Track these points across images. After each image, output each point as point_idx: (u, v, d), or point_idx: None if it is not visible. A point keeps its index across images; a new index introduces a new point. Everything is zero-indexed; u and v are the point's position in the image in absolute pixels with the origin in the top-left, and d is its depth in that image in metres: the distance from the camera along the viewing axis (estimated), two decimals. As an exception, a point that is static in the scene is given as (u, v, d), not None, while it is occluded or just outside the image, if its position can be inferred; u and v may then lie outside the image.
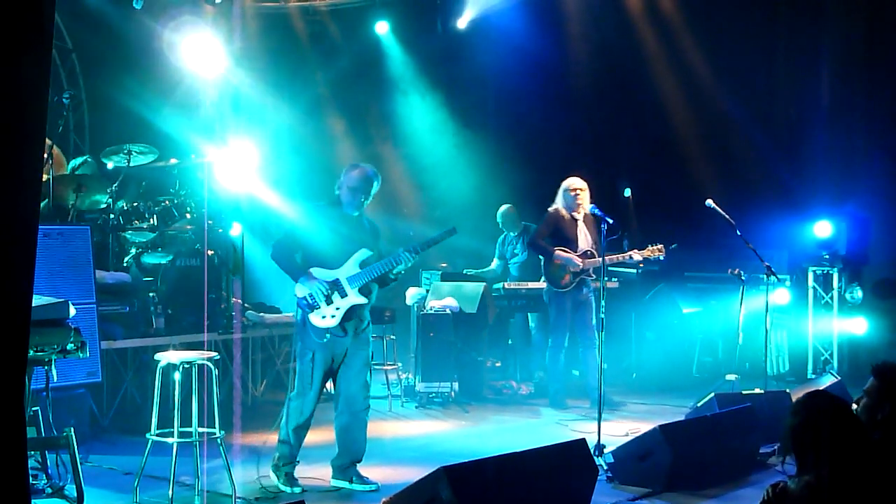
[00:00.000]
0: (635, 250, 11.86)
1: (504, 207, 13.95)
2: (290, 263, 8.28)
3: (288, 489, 8.13)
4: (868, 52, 14.71)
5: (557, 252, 11.98)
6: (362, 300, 8.23)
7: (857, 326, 14.00)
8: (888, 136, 14.66)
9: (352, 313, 8.20)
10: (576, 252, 11.97)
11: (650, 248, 11.91)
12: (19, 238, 3.71)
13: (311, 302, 8.09)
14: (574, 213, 12.10)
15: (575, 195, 12.02)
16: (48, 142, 10.73)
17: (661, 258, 11.98)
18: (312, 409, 8.24)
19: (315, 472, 8.51)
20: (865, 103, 14.78)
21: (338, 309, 8.12)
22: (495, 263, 14.14)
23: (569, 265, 11.95)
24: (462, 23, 16.21)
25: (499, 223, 13.95)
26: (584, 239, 12.07)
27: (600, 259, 11.69)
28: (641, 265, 13.39)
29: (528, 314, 13.41)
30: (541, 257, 12.31)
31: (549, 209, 12.26)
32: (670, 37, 15.71)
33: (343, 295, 8.13)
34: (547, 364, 12.39)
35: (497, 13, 16.02)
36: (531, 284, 12.86)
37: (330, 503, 8.01)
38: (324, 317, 8.10)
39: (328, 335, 8.14)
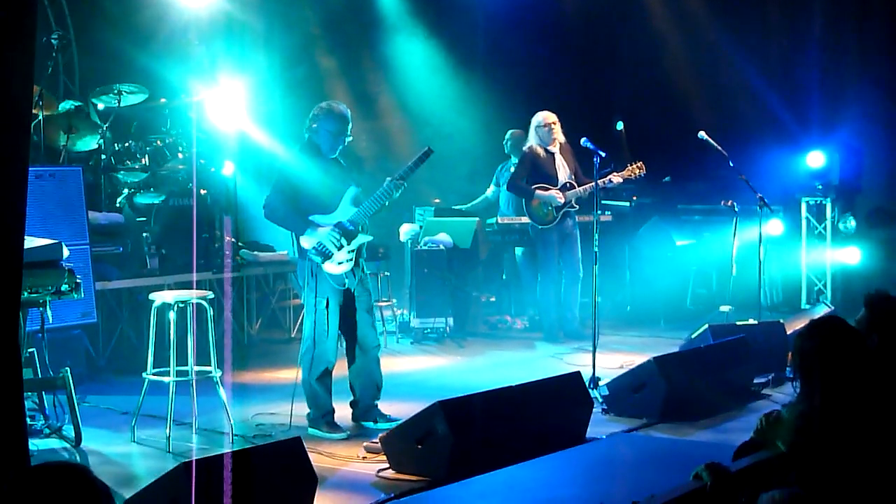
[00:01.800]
0: (615, 172, 11.80)
1: (513, 131, 13.82)
2: (289, 218, 8.17)
3: (336, 436, 8.04)
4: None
5: (537, 192, 12.00)
6: (367, 237, 8.23)
7: (851, 256, 14.01)
8: (879, 64, 14.60)
9: (359, 253, 8.20)
10: (556, 186, 11.97)
11: (629, 167, 11.84)
12: (9, 179, 3.70)
13: (322, 250, 8.02)
14: (549, 147, 12.09)
15: (549, 129, 12.04)
16: (35, 87, 10.67)
17: (643, 175, 11.91)
18: (335, 355, 8.20)
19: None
20: (856, 32, 14.71)
21: (350, 251, 8.09)
22: (491, 190, 14.02)
23: (551, 202, 11.96)
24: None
25: (506, 146, 13.78)
26: (563, 171, 12.09)
27: (580, 189, 11.78)
28: (634, 198, 13.41)
29: (516, 249, 13.38)
30: (522, 198, 12.31)
31: (524, 148, 12.25)
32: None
33: (352, 237, 8.10)
34: (538, 299, 12.43)
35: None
36: (524, 219, 12.85)
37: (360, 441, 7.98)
38: (339, 262, 8.05)
39: (347, 279, 8.12)
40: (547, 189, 11.97)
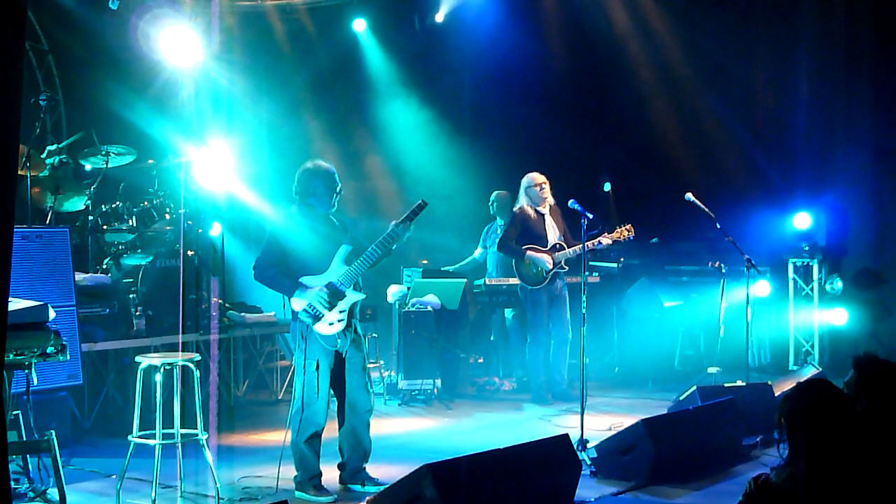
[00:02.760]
0: (605, 234, 11.82)
1: (499, 192, 13.86)
2: (278, 281, 8.13)
3: (323, 499, 7.99)
4: (847, 44, 14.74)
5: (529, 253, 12.02)
6: (359, 296, 8.19)
7: (838, 317, 14.04)
8: (866, 128, 14.71)
9: (351, 313, 8.17)
10: (545, 246, 12.00)
11: (619, 229, 11.85)
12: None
13: (312, 312, 7.99)
14: (539, 208, 12.14)
15: (540, 190, 12.09)
16: (23, 144, 10.68)
17: (631, 237, 11.92)
18: (325, 417, 8.13)
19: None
20: (844, 96, 14.81)
21: (341, 312, 8.05)
22: (479, 252, 14.07)
23: (539, 265, 11.98)
24: (439, 17, 16.20)
25: (491, 208, 13.83)
26: (553, 232, 12.12)
27: (569, 250, 11.80)
28: (622, 260, 13.42)
29: (505, 310, 13.38)
30: (512, 258, 12.32)
31: (514, 209, 12.28)
32: (649, 30, 15.72)
33: (341, 297, 8.07)
34: (527, 360, 12.41)
35: (475, 8, 15.99)
36: (512, 281, 12.84)
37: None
38: (330, 323, 8.01)
39: (338, 340, 8.08)
40: (537, 251, 11.99)
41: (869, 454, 4.56)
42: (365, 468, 8.27)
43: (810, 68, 15.05)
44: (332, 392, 8.24)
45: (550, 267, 11.95)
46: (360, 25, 16.24)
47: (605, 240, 11.77)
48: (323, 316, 7.98)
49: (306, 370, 8.01)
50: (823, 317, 14.08)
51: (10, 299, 6.55)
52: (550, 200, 12.12)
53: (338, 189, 8.30)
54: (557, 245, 12.05)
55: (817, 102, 14.96)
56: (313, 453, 8.10)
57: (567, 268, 12.06)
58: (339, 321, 8.03)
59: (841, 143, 14.83)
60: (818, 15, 14.96)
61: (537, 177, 12.16)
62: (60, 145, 11.83)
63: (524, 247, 12.04)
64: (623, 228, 11.81)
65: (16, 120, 3.76)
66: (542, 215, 12.15)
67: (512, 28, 15.89)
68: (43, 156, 11.64)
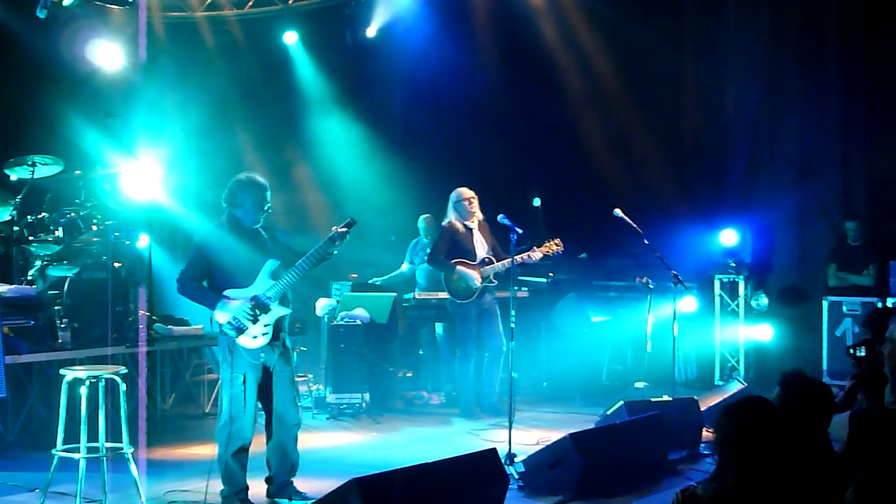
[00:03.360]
0: (534, 248, 11.86)
1: (425, 216, 13.98)
2: (201, 294, 8.08)
3: None
4: (773, 61, 14.93)
5: (458, 268, 12.06)
6: (285, 311, 8.14)
7: (763, 333, 14.20)
8: (791, 145, 14.90)
9: (278, 326, 8.13)
10: (474, 261, 12.03)
11: (547, 243, 11.91)
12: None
13: (236, 325, 7.93)
14: (468, 223, 12.17)
15: (468, 204, 12.14)
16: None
17: (560, 252, 11.97)
18: (252, 431, 8.06)
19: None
20: (770, 113, 14.99)
21: (266, 325, 8.00)
22: (405, 267, 14.19)
23: (468, 280, 12.00)
24: (371, 32, 16.21)
25: (420, 231, 13.99)
26: (481, 247, 12.16)
27: (498, 264, 11.84)
28: (551, 274, 13.49)
29: (436, 324, 13.41)
30: (441, 272, 12.35)
31: (444, 223, 12.32)
32: (579, 46, 15.83)
33: (266, 310, 8.02)
34: (456, 374, 12.42)
35: (406, 23, 16.03)
36: (441, 295, 12.86)
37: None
38: (255, 336, 7.95)
39: (262, 354, 8.02)
40: (467, 265, 12.01)
41: (793, 469, 4.62)
42: (293, 482, 8.24)
43: (737, 84, 15.23)
44: (259, 406, 8.19)
45: (479, 283, 11.98)
46: (291, 38, 16.22)
47: (535, 254, 11.81)
48: (247, 329, 7.94)
49: (233, 384, 7.95)
50: (749, 332, 14.23)
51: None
52: (479, 215, 12.16)
53: (266, 206, 8.25)
54: (486, 259, 12.08)
55: (743, 118, 15.14)
56: (240, 467, 8.04)
57: (496, 282, 12.10)
58: (263, 335, 7.98)
59: (767, 160, 15.02)
60: (744, 32, 15.15)
61: (466, 192, 12.19)
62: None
63: (453, 261, 12.06)
64: (552, 243, 11.87)
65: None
66: (471, 230, 12.18)
67: (443, 43, 15.94)
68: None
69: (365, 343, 12.34)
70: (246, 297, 7.98)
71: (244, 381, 7.94)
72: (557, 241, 11.91)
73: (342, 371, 12.21)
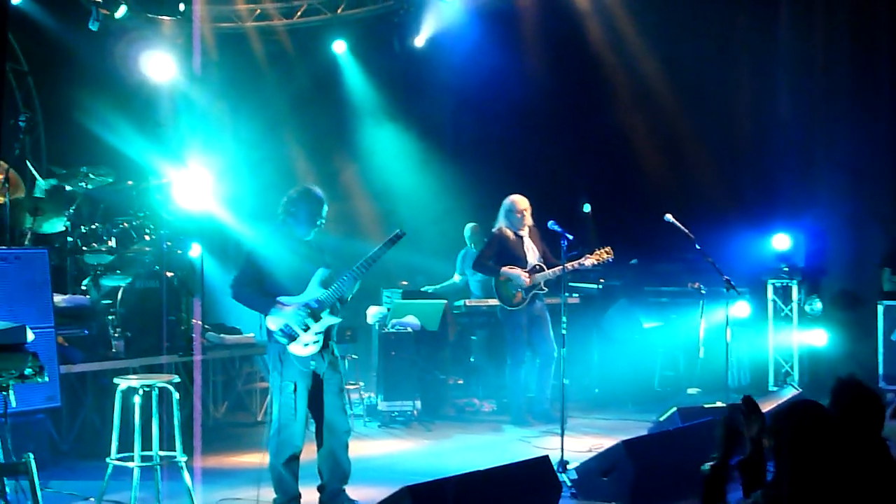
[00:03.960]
0: (585, 256, 11.82)
1: (471, 225, 13.99)
2: (255, 298, 8.09)
3: None
4: (825, 64, 14.80)
5: (503, 269, 12.03)
6: (336, 319, 8.16)
7: (817, 338, 14.07)
8: (844, 148, 14.76)
9: (328, 335, 8.14)
10: (525, 269, 11.99)
11: (598, 251, 11.85)
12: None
13: (288, 332, 7.94)
14: (519, 231, 12.13)
15: (521, 216, 12.10)
16: (3, 164, 10.66)
17: (611, 260, 11.92)
18: (302, 438, 8.06)
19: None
20: (823, 116, 14.86)
21: (317, 333, 8.01)
22: (457, 278, 14.20)
23: (516, 281, 11.97)
24: (419, 41, 16.23)
25: (466, 240, 14.01)
26: (532, 254, 12.11)
27: (549, 272, 11.79)
28: (602, 281, 13.43)
29: (479, 331, 13.44)
30: (489, 277, 12.33)
31: (494, 230, 12.28)
32: (627, 51, 15.76)
33: (317, 318, 8.05)
34: (507, 382, 12.39)
35: (454, 32, 16.02)
36: (492, 301, 12.86)
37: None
38: (306, 344, 7.96)
39: (313, 362, 8.04)
40: (513, 269, 11.98)
41: (850, 476, 4.57)
42: (344, 490, 8.23)
43: (789, 89, 15.10)
44: (309, 414, 8.19)
45: (528, 283, 11.94)
46: (340, 47, 16.26)
47: (586, 262, 11.78)
48: (298, 336, 7.95)
49: (283, 392, 7.95)
50: (803, 337, 14.11)
51: (-13, 321, 6.55)
52: (530, 223, 12.13)
53: (320, 221, 8.27)
54: (537, 266, 12.05)
55: (796, 123, 15.01)
56: (292, 475, 8.05)
57: (546, 289, 12.07)
58: (314, 343, 7.99)
59: (819, 164, 14.88)
60: (796, 36, 15.01)
61: (520, 202, 12.14)
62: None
63: (502, 266, 12.04)
64: (603, 251, 11.82)
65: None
66: (521, 237, 12.15)
67: (491, 50, 15.90)
68: (43, 185, 11.65)
69: (416, 350, 12.33)
70: (297, 305, 8.00)
71: (294, 389, 7.94)
72: (608, 249, 11.86)
73: (393, 379, 12.21)
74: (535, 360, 12.21)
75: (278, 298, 8.00)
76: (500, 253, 12.12)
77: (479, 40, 15.83)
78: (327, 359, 8.12)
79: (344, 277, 8.11)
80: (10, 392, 7.06)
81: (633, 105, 16.05)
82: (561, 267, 10.55)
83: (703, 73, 15.42)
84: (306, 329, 7.96)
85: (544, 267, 12.03)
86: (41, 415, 9.61)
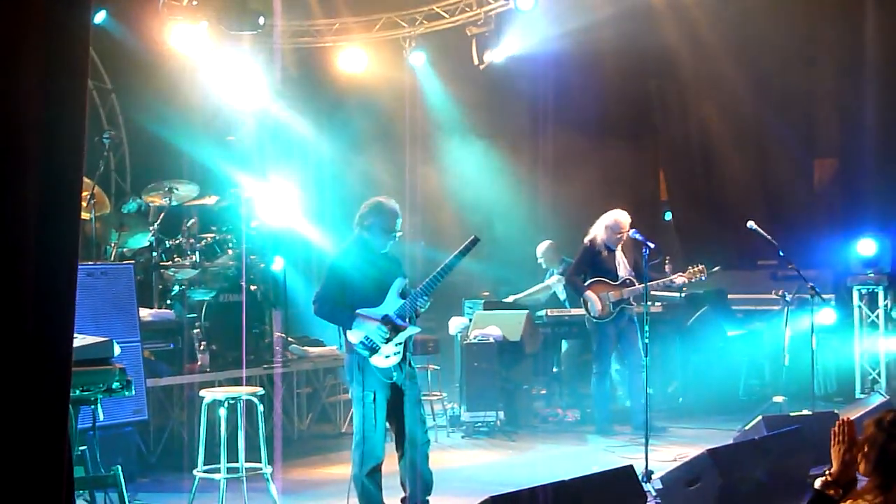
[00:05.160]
0: (678, 273, 11.78)
1: (545, 244, 13.91)
2: (338, 314, 8.11)
3: None
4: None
5: (587, 293, 12.01)
6: (415, 329, 8.18)
7: (905, 345, 13.86)
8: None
9: (407, 346, 8.17)
10: (616, 281, 11.92)
11: (691, 269, 11.81)
12: (59, 274, 3.73)
13: (370, 345, 7.96)
14: (612, 246, 12.05)
15: (620, 236, 11.99)
16: (89, 181, 10.81)
17: (703, 278, 11.87)
18: (383, 448, 8.07)
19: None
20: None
21: (398, 345, 8.03)
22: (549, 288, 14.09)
23: (591, 308, 11.91)
24: (499, 52, 16.17)
25: (540, 260, 13.90)
26: (623, 268, 12.03)
27: (639, 287, 11.69)
28: (685, 290, 13.33)
29: (562, 341, 13.40)
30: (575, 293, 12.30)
31: (586, 240, 12.18)
32: (711, 59, 15.61)
33: (397, 330, 8.05)
34: (592, 391, 12.34)
35: (533, 42, 15.94)
36: (574, 311, 12.84)
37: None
38: (387, 356, 7.98)
39: (394, 374, 8.06)
40: (607, 285, 11.89)
41: None
42: (428, 501, 8.24)
43: (875, 92, 14.88)
44: (388, 426, 8.20)
45: (616, 297, 11.85)
46: (418, 60, 16.29)
47: (677, 279, 11.73)
48: (379, 349, 7.97)
49: (364, 402, 7.97)
50: (890, 344, 13.88)
51: (75, 335, 6.64)
52: (626, 241, 12.02)
53: (394, 234, 8.29)
54: (627, 280, 11.96)
55: (882, 126, 14.80)
56: (376, 487, 8.05)
57: (635, 304, 11.97)
58: (395, 354, 8.01)
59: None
60: (886, 35, 14.78)
61: (624, 223, 11.95)
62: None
63: (590, 281, 12.02)
64: (696, 269, 11.73)
65: (80, 159, 3.81)
66: (613, 251, 12.05)
67: (570, 61, 15.83)
68: (128, 208, 11.84)
69: (498, 361, 12.31)
70: (377, 316, 8.02)
71: (374, 399, 7.96)
72: (701, 267, 11.77)
73: (476, 389, 12.21)
74: (623, 372, 12.16)
75: (358, 311, 8.02)
76: (592, 267, 12.06)
77: (557, 51, 15.74)
78: (406, 370, 8.13)
79: (421, 288, 8.13)
80: (98, 406, 7.16)
81: (714, 111, 15.93)
82: (658, 282, 10.94)
83: (786, 78, 15.28)
84: (387, 341, 7.98)
85: (635, 281, 11.93)
86: (129, 428, 9.73)
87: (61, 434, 3.81)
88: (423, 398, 8.50)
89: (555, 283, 13.94)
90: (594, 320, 12.07)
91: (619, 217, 12.06)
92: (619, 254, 12.08)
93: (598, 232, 12.15)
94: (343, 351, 8.25)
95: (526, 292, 14.10)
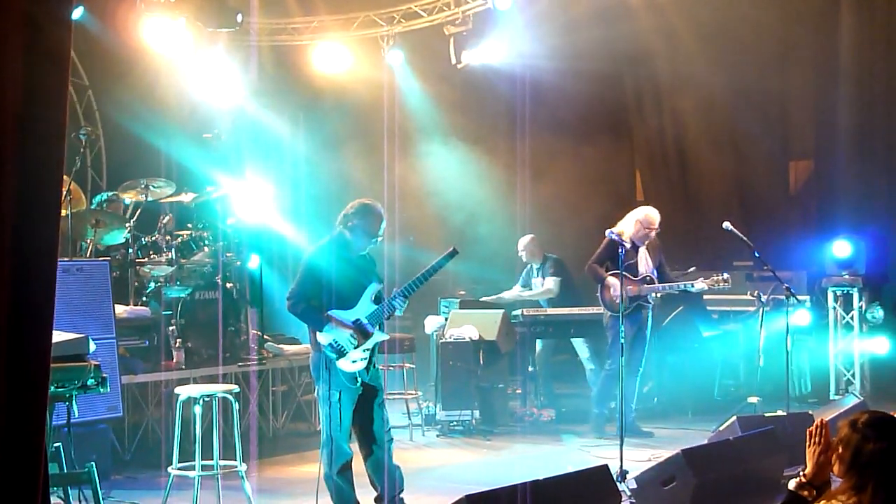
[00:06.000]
0: (700, 279, 11.65)
1: (526, 238, 13.81)
2: (310, 314, 8.03)
3: None
4: (888, 70, 14.66)
5: (609, 279, 11.79)
6: (384, 336, 8.15)
7: (879, 346, 13.91)
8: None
9: (374, 351, 8.15)
10: (636, 277, 11.83)
11: (715, 276, 11.64)
12: (39, 272, 3.72)
13: (338, 348, 7.91)
14: (638, 242, 11.91)
15: (648, 233, 11.83)
16: (65, 178, 10.77)
17: (727, 287, 11.73)
18: (349, 445, 8.05)
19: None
20: (885, 123, 14.73)
21: (365, 350, 7.98)
22: (517, 291, 13.96)
23: (616, 293, 11.67)
24: (476, 51, 16.14)
25: (521, 254, 13.78)
26: (645, 264, 11.85)
27: (658, 285, 11.63)
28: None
29: (537, 341, 13.36)
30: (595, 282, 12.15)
31: (613, 234, 11.80)
32: (687, 60, 15.59)
33: (367, 336, 7.99)
34: (598, 390, 12.15)
35: (510, 48, 15.90)
36: (550, 311, 12.85)
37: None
38: (354, 361, 7.93)
39: (359, 379, 8.02)
40: (626, 279, 11.64)
41: None
42: (402, 498, 8.22)
43: (853, 93, 14.93)
44: (352, 427, 8.16)
45: (633, 292, 11.62)
46: (396, 58, 16.27)
47: (699, 283, 11.62)
48: (347, 352, 7.94)
49: (331, 401, 7.93)
50: (864, 345, 13.95)
51: (51, 332, 6.61)
52: (652, 238, 11.92)
53: (375, 238, 8.24)
54: (647, 278, 11.79)
55: (857, 129, 14.87)
56: (348, 484, 8.03)
57: (652, 302, 11.86)
58: (361, 360, 7.97)
59: (881, 170, 14.74)
60: (861, 37, 14.83)
61: (655, 220, 11.83)
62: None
63: (611, 273, 11.84)
64: (720, 277, 11.57)
65: (60, 154, 3.80)
66: (637, 247, 11.90)
67: (546, 63, 15.78)
68: (98, 198, 11.80)
69: (474, 360, 12.32)
70: (349, 320, 7.99)
71: (340, 399, 7.90)
72: (726, 277, 11.61)
73: (452, 388, 12.22)
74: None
75: (330, 312, 7.96)
76: (613, 260, 11.84)
77: (536, 49, 15.69)
78: (371, 372, 8.10)
79: (395, 295, 8.10)
80: (73, 402, 7.14)
81: (690, 112, 15.96)
82: (674, 283, 11.20)
83: (762, 79, 15.33)
84: (355, 346, 7.95)
85: (654, 279, 11.88)
86: (103, 425, 9.71)
87: (39, 431, 3.80)
88: (397, 397, 8.48)
89: (518, 293, 13.87)
90: (612, 315, 11.83)
91: (651, 213, 11.91)
92: (642, 251, 11.89)
93: (626, 226, 11.88)
94: (305, 342, 8.19)
95: (493, 297, 13.98)
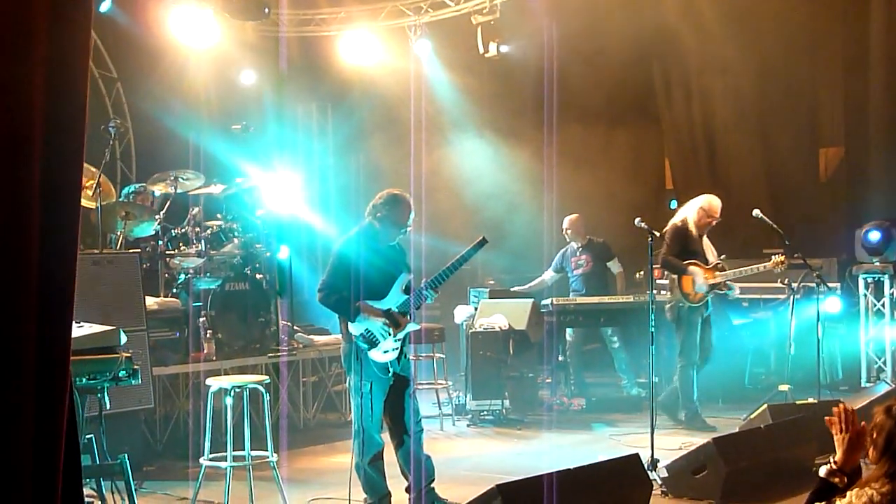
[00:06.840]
0: (762, 263, 11.48)
1: (573, 216, 13.66)
2: (342, 305, 8.01)
3: None
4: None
5: (692, 268, 11.56)
6: (415, 326, 8.16)
7: (912, 333, 13.83)
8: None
9: (404, 341, 8.16)
10: (706, 265, 11.61)
11: (775, 259, 11.47)
12: (63, 254, 3.74)
13: (370, 338, 7.92)
14: (700, 229, 11.84)
15: (711, 220, 11.67)
16: (94, 170, 10.80)
17: (783, 269, 11.56)
18: (380, 435, 8.07)
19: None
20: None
21: (397, 340, 8.00)
22: (549, 276, 13.90)
23: (699, 280, 11.52)
24: (504, 42, 16.11)
25: (566, 233, 13.68)
26: (711, 252, 11.74)
27: (731, 271, 11.45)
28: None
29: (567, 329, 13.32)
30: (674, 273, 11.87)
31: (677, 222, 11.71)
32: (716, 48, 15.51)
33: (399, 326, 8.01)
34: (679, 385, 11.92)
35: (537, 37, 15.86)
36: (580, 300, 12.84)
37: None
38: (385, 351, 7.95)
39: (390, 369, 8.02)
40: (701, 267, 11.63)
41: None
42: (433, 488, 8.23)
43: (883, 79, 14.83)
44: (383, 417, 8.17)
45: (706, 287, 11.59)
46: (423, 48, 16.25)
47: (764, 266, 11.45)
48: (379, 343, 7.96)
49: (362, 392, 7.95)
50: (896, 332, 13.88)
51: (82, 324, 6.65)
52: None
53: (404, 229, 8.24)
54: (719, 265, 11.67)
55: (890, 114, 14.77)
56: (379, 474, 8.06)
57: (724, 290, 11.69)
58: (393, 350, 7.98)
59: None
60: (892, 23, 14.71)
61: (717, 208, 11.68)
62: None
63: (686, 262, 11.64)
64: (778, 259, 11.42)
65: (79, 145, 3.80)
66: (702, 234, 11.78)
67: (574, 51, 15.74)
68: (128, 190, 11.85)
69: (504, 349, 12.33)
70: (381, 310, 8.00)
71: (371, 389, 7.92)
72: (783, 258, 11.47)
73: (482, 378, 12.22)
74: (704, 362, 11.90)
75: (360, 303, 8.00)
76: (682, 248, 11.67)
77: (563, 39, 15.66)
78: (402, 363, 8.11)
79: (425, 285, 8.10)
80: (105, 394, 7.18)
81: (719, 99, 15.90)
82: (748, 267, 11.06)
83: (792, 67, 15.24)
84: (389, 335, 7.95)
85: (725, 266, 11.67)
86: (135, 416, 9.75)
87: (72, 421, 3.82)
88: (428, 387, 8.48)
89: (549, 277, 13.88)
90: (688, 305, 11.68)
91: (714, 201, 11.75)
92: (706, 238, 11.80)
93: (688, 213, 11.76)
94: (336, 333, 8.20)
95: (525, 287, 14.00)
